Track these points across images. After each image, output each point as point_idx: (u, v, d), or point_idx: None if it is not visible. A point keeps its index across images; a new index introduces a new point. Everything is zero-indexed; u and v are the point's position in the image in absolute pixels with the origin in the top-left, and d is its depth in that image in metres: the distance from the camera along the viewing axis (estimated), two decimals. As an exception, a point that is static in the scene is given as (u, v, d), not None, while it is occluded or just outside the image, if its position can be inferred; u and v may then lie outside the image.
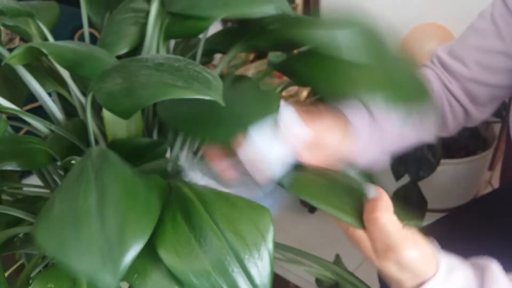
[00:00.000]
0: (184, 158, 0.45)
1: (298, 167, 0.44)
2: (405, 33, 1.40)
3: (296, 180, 0.42)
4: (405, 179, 1.14)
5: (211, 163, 0.44)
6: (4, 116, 0.43)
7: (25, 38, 0.60)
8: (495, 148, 1.39)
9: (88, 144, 0.52)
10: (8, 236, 0.43)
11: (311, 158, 0.45)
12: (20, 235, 0.55)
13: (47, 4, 0.66)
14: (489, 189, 1.45)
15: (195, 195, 0.37)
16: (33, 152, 0.45)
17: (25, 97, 0.63)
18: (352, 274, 0.51)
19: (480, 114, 0.64)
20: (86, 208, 0.31)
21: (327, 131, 0.49)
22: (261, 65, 1.75)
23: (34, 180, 0.61)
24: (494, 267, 0.42)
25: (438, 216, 0.79)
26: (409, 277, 0.40)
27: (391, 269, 0.40)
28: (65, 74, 0.58)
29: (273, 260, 0.35)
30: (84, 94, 0.59)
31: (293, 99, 1.56)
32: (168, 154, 0.53)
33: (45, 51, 0.41)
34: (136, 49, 0.56)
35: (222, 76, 0.43)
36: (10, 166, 0.42)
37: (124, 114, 0.37)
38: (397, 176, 1.14)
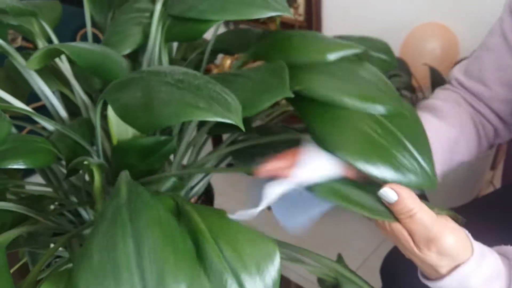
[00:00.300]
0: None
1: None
2: (406, 33, 1.40)
3: (327, 186, 0.43)
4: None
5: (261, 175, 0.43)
6: (7, 117, 0.43)
7: (28, 37, 0.60)
8: (497, 147, 1.39)
9: (92, 143, 0.52)
10: (15, 235, 0.44)
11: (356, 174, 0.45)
12: (23, 234, 0.55)
13: (50, 3, 0.66)
14: (491, 189, 1.45)
15: (206, 226, 0.37)
16: (38, 150, 0.45)
17: (27, 96, 0.63)
18: (354, 273, 0.51)
19: (508, 132, 0.64)
20: (125, 258, 0.31)
21: None
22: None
23: (35, 179, 0.61)
24: None
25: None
26: (448, 262, 0.42)
27: (432, 257, 0.42)
28: (68, 73, 0.58)
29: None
30: (87, 93, 0.60)
31: (218, 69, 1.52)
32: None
33: (67, 52, 0.42)
34: (140, 49, 0.56)
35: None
36: (15, 165, 0.42)
37: (142, 128, 0.38)
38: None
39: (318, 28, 1.61)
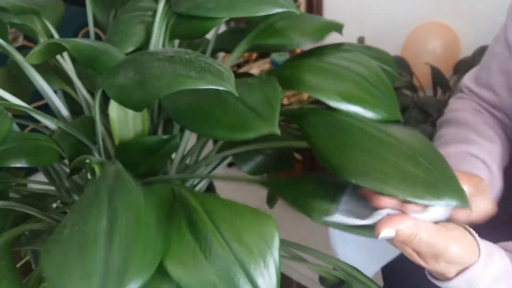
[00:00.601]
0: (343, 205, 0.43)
1: None
2: (407, 32, 1.41)
3: None
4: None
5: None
6: (9, 114, 0.43)
7: (31, 36, 0.60)
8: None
9: (94, 142, 0.52)
10: (18, 234, 0.44)
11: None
12: (26, 232, 0.55)
13: (52, 2, 0.66)
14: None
15: (199, 204, 0.37)
16: (41, 149, 0.45)
17: (30, 95, 0.63)
18: (357, 270, 0.51)
19: None
20: (94, 234, 0.31)
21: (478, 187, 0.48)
22: (264, 64, 1.75)
23: (38, 177, 0.61)
24: None
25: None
26: (456, 268, 0.42)
27: (440, 267, 0.42)
28: (71, 72, 0.58)
29: (279, 269, 0.34)
30: (90, 92, 0.60)
31: (296, 98, 1.56)
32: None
33: (67, 46, 0.41)
34: (142, 48, 0.56)
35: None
36: (18, 163, 0.42)
37: (137, 107, 0.37)
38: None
39: (319, 27, 1.61)
